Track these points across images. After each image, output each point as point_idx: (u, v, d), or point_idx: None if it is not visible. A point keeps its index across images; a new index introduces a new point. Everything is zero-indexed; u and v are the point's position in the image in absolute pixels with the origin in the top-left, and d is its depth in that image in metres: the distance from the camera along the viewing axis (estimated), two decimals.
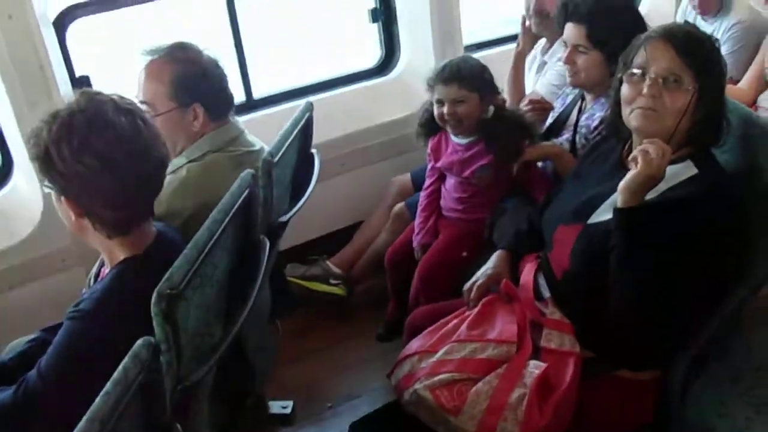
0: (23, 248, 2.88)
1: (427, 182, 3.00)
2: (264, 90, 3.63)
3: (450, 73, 2.71)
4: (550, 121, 2.92)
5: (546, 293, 2.15)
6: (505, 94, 3.27)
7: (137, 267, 1.75)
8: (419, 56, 3.64)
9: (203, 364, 1.62)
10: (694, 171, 1.92)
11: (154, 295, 1.44)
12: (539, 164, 2.81)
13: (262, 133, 2.47)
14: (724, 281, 1.87)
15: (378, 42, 3.79)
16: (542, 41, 3.42)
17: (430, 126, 2.86)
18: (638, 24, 2.53)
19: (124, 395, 1.25)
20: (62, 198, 1.74)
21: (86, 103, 1.70)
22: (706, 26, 3.81)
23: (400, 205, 3.27)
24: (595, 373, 2.00)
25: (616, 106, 2.03)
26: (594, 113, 2.65)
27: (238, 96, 2.76)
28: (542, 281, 2.18)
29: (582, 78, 2.63)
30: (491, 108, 2.75)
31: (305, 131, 2.44)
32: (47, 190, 1.77)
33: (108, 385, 1.23)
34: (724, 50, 3.62)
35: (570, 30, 2.62)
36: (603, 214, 1.98)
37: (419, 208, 3.00)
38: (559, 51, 2.92)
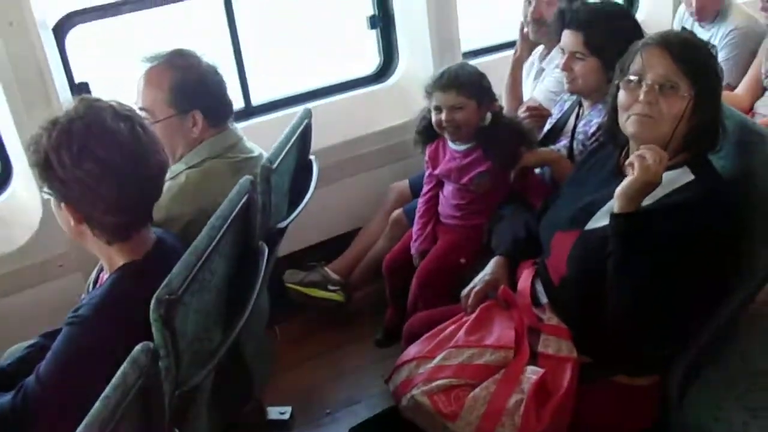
0: (22, 254, 2.88)
1: (425, 189, 3.01)
2: (264, 95, 3.63)
3: (448, 80, 2.72)
4: (547, 127, 2.93)
5: (543, 299, 2.16)
6: (503, 100, 3.29)
7: (136, 273, 1.75)
8: (418, 63, 3.65)
9: (202, 369, 1.63)
10: (690, 177, 1.93)
11: (153, 300, 1.45)
12: (537, 170, 2.82)
13: (261, 139, 2.47)
14: (721, 286, 1.88)
15: (376, 49, 3.79)
16: (540, 48, 3.43)
17: (427, 133, 2.87)
18: (635, 31, 2.55)
19: (123, 400, 1.25)
20: (62, 204, 1.74)
21: (85, 110, 1.71)
22: (703, 33, 3.81)
23: (398, 212, 3.28)
24: (592, 379, 2.00)
25: (613, 112, 2.04)
26: (591, 120, 2.66)
27: (237, 102, 2.76)
28: (540, 287, 2.19)
29: (579, 84, 2.64)
30: (489, 115, 2.76)
31: (304, 138, 2.45)
32: (46, 197, 1.78)
33: (107, 390, 1.24)
34: (721, 56, 3.65)
35: (567, 37, 2.63)
36: (600, 221, 1.99)
37: (417, 215, 3.00)
38: (557, 58, 2.93)
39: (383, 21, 3.70)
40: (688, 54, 1.92)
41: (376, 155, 3.59)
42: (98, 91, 2.95)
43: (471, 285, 2.31)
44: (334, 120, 3.43)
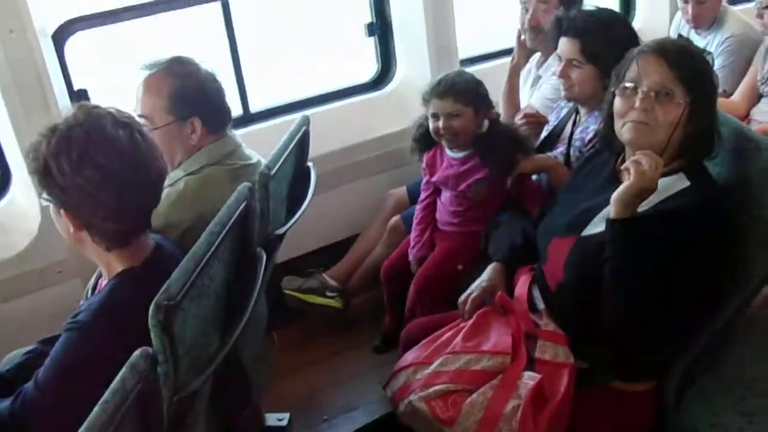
0: (20, 260, 2.88)
1: (423, 196, 3.01)
2: (263, 101, 3.64)
3: (445, 87, 2.73)
4: (544, 134, 2.94)
5: (540, 305, 2.17)
6: (500, 107, 3.30)
7: (135, 279, 1.76)
8: (415, 70, 3.66)
9: (200, 375, 1.63)
10: (686, 183, 1.94)
11: (152, 306, 1.45)
12: (534, 177, 2.83)
13: (259, 146, 2.48)
14: (716, 292, 1.89)
15: (374, 56, 3.81)
16: (537, 55, 3.44)
17: (424, 141, 2.88)
18: (631, 38, 2.56)
19: (122, 405, 1.26)
20: (61, 211, 1.75)
21: (84, 117, 1.72)
22: (699, 40, 3.83)
23: (395, 219, 3.28)
24: (589, 384, 2.01)
25: (609, 119, 2.05)
26: (588, 126, 2.67)
27: (235, 109, 2.77)
28: (537, 293, 2.20)
29: (576, 92, 2.65)
30: (486, 122, 2.77)
31: (302, 145, 2.46)
32: (45, 203, 1.79)
33: (106, 395, 1.24)
34: (717, 64, 3.67)
35: (564, 44, 2.64)
36: (597, 227, 2.00)
37: (415, 222, 3.01)
38: (554, 65, 2.93)
39: (381, 28, 3.71)
40: (683, 61, 1.93)
41: (373, 162, 3.60)
42: (97, 99, 2.96)
43: (468, 291, 2.32)
44: (332, 127, 3.44)
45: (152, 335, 1.47)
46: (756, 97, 3.59)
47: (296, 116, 2.52)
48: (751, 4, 3.73)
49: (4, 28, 2.60)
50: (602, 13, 2.72)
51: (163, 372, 1.47)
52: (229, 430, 2.27)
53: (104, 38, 3.33)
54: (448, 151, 2.84)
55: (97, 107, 1.77)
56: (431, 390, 2.06)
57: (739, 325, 1.92)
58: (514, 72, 3.45)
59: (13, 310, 2.85)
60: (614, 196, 1.87)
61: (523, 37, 3.38)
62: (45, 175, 1.70)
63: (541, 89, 3.31)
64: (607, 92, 2.09)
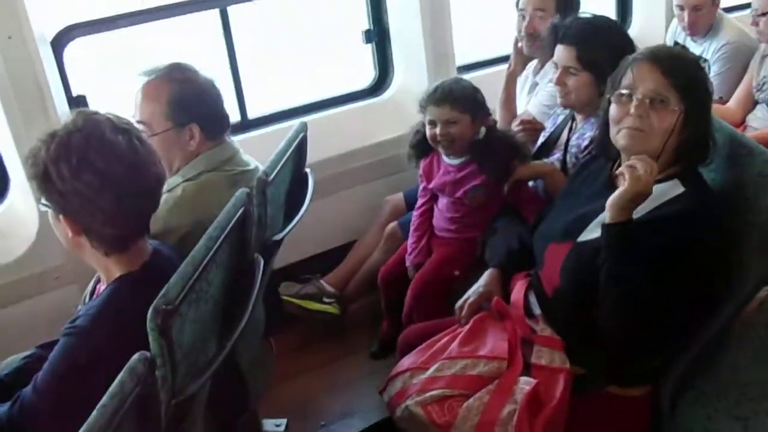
0: (18, 266, 2.88)
1: (420, 202, 3.02)
2: (261, 108, 3.65)
3: (442, 94, 2.75)
4: (541, 140, 2.95)
5: (537, 310, 2.18)
6: (497, 114, 3.31)
7: (133, 283, 1.77)
8: (413, 77, 3.67)
9: (198, 379, 1.64)
10: (681, 189, 1.95)
11: (150, 310, 1.46)
12: (530, 183, 2.84)
13: (257, 152, 2.49)
14: (711, 298, 1.90)
15: (372, 63, 3.82)
16: (534, 62, 3.45)
17: (421, 147, 2.89)
18: (627, 45, 2.56)
19: (120, 408, 1.26)
20: (60, 216, 1.75)
21: (83, 123, 1.73)
22: (695, 47, 3.85)
23: (393, 225, 3.29)
24: (585, 390, 2.02)
25: (605, 126, 2.07)
26: (584, 133, 2.68)
27: (233, 116, 2.78)
28: (533, 299, 2.21)
29: (572, 99, 2.66)
30: (483, 129, 2.78)
31: (299, 151, 2.46)
32: (44, 209, 1.79)
33: (105, 398, 1.25)
34: (713, 71, 3.69)
35: (560, 52, 2.64)
36: (593, 232, 2.01)
37: (412, 228, 3.02)
38: (551, 72, 2.94)
39: (378, 35, 3.72)
40: (677, 69, 1.94)
41: (371, 168, 3.60)
42: (95, 104, 2.97)
43: (465, 296, 2.33)
44: (329, 133, 3.44)
45: (150, 339, 1.47)
46: (752, 104, 3.60)
47: (294, 123, 2.53)
48: (747, 12, 3.74)
49: (3, 33, 2.60)
50: (598, 21, 2.73)
51: (161, 375, 1.47)
52: None
53: (103, 44, 3.34)
54: (445, 158, 2.85)
55: (95, 113, 1.78)
56: (428, 395, 2.07)
57: (734, 331, 1.93)
58: (511, 79, 3.46)
59: (11, 315, 2.85)
60: (609, 201, 1.88)
61: (520, 44, 3.40)
62: (44, 181, 1.71)
63: (537, 96, 3.32)
64: (603, 99, 2.10)
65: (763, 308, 1.89)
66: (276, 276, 2.86)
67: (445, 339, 2.24)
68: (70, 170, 1.67)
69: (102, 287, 1.88)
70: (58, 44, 2.94)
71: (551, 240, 2.16)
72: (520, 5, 3.35)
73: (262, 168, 2.22)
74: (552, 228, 2.20)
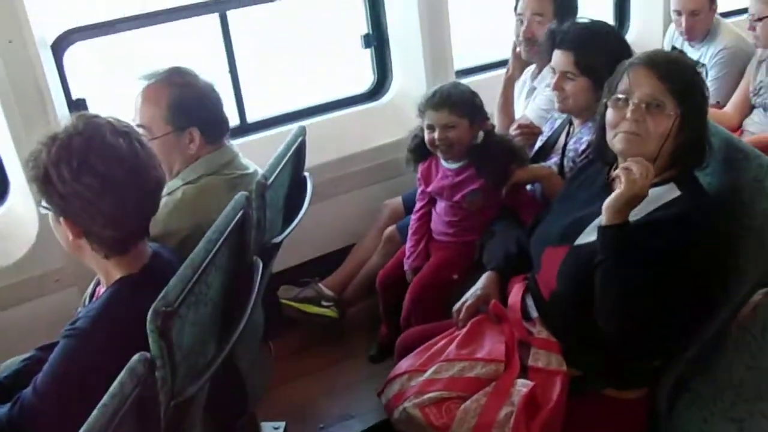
0: (18, 269, 2.89)
1: (418, 206, 3.03)
2: (259, 112, 3.66)
3: (441, 98, 2.76)
4: (538, 145, 2.96)
5: (534, 313, 2.19)
6: (495, 119, 3.32)
7: (133, 286, 1.77)
8: (411, 81, 3.68)
9: (197, 381, 1.65)
10: (677, 193, 1.96)
11: (150, 311, 1.47)
12: (528, 187, 2.85)
13: (256, 156, 2.50)
14: (707, 301, 1.91)
15: (371, 67, 3.84)
16: (532, 67, 3.46)
17: (419, 152, 2.90)
18: (624, 51, 2.57)
19: (120, 408, 1.27)
20: (60, 218, 1.76)
21: (84, 126, 1.73)
22: (693, 52, 3.87)
23: (391, 229, 3.30)
24: (581, 392, 2.03)
25: (602, 130, 2.08)
26: (582, 137, 2.68)
27: (232, 120, 2.79)
28: (530, 302, 2.22)
29: (570, 104, 2.67)
30: (481, 133, 2.79)
31: (298, 154, 2.47)
32: (44, 211, 1.80)
33: (105, 398, 1.26)
34: (710, 75, 3.71)
35: (558, 57, 2.66)
36: (589, 236, 2.02)
37: (410, 232, 3.03)
38: (548, 76, 2.94)
39: (377, 40, 3.73)
40: (673, 73, 1.96)
41: (369, 172, 3.61)
42: (95, 108, 2.98)
43: (463, 299, 2.34)
44: (328, 137, 3.45)
45: (150, 340, 1.48)
46: (748, 109, 3.62)
47: (293, 127, 2.54)
48: (744, 17, 3.76)
49: (4, 37, 2.61)
50: (596, 26, 2.74)
51: (161, 377, 1.48)
52: None
53: (103, 48, 3.35)
54: (443, 162, 2.86)
55: (96, 116, 1.78)
56: (425, 397, 2.08)
57: (730, 333, 1.94)
58: (508, 83, 3.47)
59: (11, 318, 2.86)
60: (606, 203, 1.89)
61: (518, 48, 3.41)
62: (45, 183, 1.72)
63: (535, 100, 3.33)
64: (600, 104, 2.11)
65: (758, 312, 1.90)
66: (275, 280, 2.87)
67: (443, 341, 2.25)
68: (71, 173, 1.67)
69: (102, 290, 1.88)
70: (58, 48, 2.96)
71: (548, 244, 2.17)
72: (519, 10, 3.36)
73: (261, 172, 2.23)
74: (549, 232, 2.21)
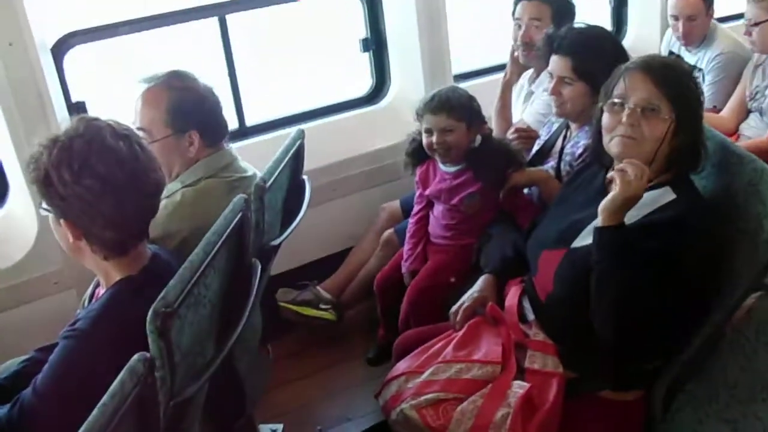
0: (17, 271, 2.90)
1: (416, 209, 3.04)
2: (258, 116, 3.67)
3: (439, 102, 2.77)
4: (536, 148, 2.97)
5: (530, 316, 2.20)
6: (493, 123, 3.33)
7: (133, 287, 1.78)
8: (409, 85, 3.69)
9: (196, 381, 1.66)
10: (672, 197, 1.97)
11: (150, 312, 1.48)
12: (525, 191, 2.86)
13: (255, 159, 2.51)
14: (702, 303, 1.92)
15: (369, 71, 3.85)
16: (529, 71, 3.47)
17: (417, 155, 2.91)
18: (621, 55, 2.58)
19: (120, 407, 1.28)
20: (60, 220, 1.76)
21: (85, 128, 1.74)
22: (690, 57, 3.88)
23: (389, 232, 3.31)
24: (578, 394, 2.04)
25: (598, 134, 2.09)
26: (579, 141, 2.69)
27: (231, 123, 2.80)
28: (527, 304, 2.23)
29: (568, 108, 2.68)
30: (479, 137, 2.80)
31: (297, 158, 2.48)
32: (44, 213, 1.81)
33: (105, 397, 1.27)
34: (707, 80, 3.72)
35: (555, 62, 2.66)
36: (586, 239, 2.02)
37: (408, 235, 3.04)
38: (546, 81, 2.95)
39: (376, 44, 3.75)
40: (669, 78, 1.97)
41: (368, 176, 3.63)
42: (94, 111, 2.98)
43: (460, 302, 2.34)
44: (326, 141, 3.46)
45: (150, 341, 1.49)
46: (745, 113, 3.64)
47: (291, 130, 2.55)
48: (740, 22, 3.78)
49: (4, 40, 2.63)
50: (593, 31, 2.74)
51: (160, 377, 1.49)
52: None
53: (103, 51, 3.36)
54: (441, 166, 2.87)
55: (96, 119, 1.79)
56: (422, 398, 2.09)
57: (725, 336, 1.95)
58: (506, 88, 3.48)
59: (10, 320, 2.86)
60: (601, 205, 1.90)
61: (516, 53, 3.42)
62: (46, 185, 1.72)
63: (533, 105, 3.34)
64: (596, 108, 2.12)
65: (752, 314, 1.91)
66: (273, 282, 2.88)
67: (440, 343, 2.26)
68: (72, 175, 1.68)
69: (101, 291, 1.89)
70: (59, 51, 2.97)
71: (545, 246, 2.18)
72: (516, 14, 3.37)
73: (259, 174, 2.24)
74: (546, 235, 2.22)
